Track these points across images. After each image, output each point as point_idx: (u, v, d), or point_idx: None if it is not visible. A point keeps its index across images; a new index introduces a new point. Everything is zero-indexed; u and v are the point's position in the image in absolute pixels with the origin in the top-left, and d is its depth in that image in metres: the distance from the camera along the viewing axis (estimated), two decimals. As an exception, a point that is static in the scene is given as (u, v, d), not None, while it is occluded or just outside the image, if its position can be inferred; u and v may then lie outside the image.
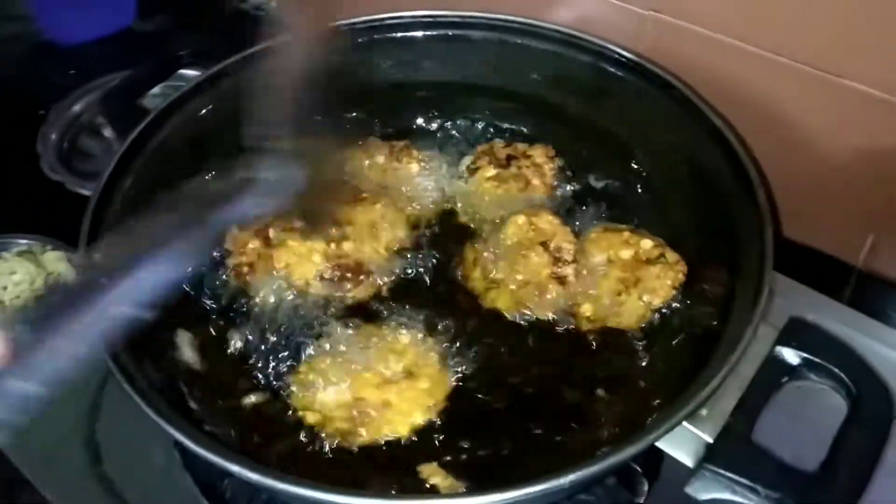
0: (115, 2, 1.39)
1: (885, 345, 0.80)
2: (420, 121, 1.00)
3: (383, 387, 0.74)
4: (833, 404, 0.66)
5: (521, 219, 0.84)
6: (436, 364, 0.77)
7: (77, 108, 1.23)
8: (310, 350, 0.79)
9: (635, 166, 0.90)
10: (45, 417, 0.78)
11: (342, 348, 0.78)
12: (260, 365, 0.78)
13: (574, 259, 0.83)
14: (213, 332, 0.81)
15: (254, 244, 0.83)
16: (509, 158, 0.92)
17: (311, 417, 0.74)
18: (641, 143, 0.89)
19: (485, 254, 0.84)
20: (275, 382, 0.77)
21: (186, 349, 0.78)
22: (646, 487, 0.73)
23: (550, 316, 0.80)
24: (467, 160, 0.94)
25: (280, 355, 0.79)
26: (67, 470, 0.79)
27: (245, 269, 0.83)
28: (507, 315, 0.81)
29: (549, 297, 0.81)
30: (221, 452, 0.61)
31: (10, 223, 1.04)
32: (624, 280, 0.80)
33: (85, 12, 1.36)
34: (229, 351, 0.80)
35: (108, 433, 0.81)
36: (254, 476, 0.59)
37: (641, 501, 0.73)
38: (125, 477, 0.79)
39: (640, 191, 0.90)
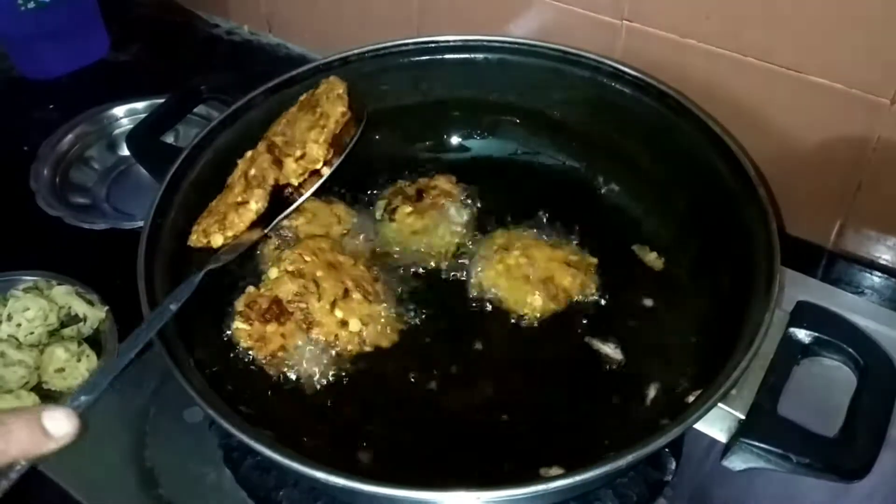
0: (88, 35, 1.40)
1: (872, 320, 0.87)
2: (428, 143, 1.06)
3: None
4: (843, 376, 0.73)
5: None
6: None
7: (66, 142, 1.25)
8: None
9: (638, 172, 0.96)
10: (95, 449, 0.84)
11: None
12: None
13: None
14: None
15: (271, 328, 0.84)
16: (419, 193, 0.97)
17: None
18: (642, 150, 0.95)
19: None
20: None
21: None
22: (674, 466, 0.79)
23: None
24: (381, 204, 0.97)
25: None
26: (126, 498, 0.83)
27: (280, 353, 0.83)
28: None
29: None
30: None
31: (12, 260, 1.06)
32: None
33: (58, 47, 1.37)
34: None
35: (158, 458, 0.84)
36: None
37: (669, 479, 0.79)
38: (182, 498, 0.82)
39: (644, 194, 0.96)
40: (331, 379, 0.83)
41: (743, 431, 0.68)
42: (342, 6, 1.27)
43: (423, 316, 0.88)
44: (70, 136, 1.26)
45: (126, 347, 0.72)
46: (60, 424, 0.58)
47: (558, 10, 1.04)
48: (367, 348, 0.85)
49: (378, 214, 0.96)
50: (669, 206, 0.92)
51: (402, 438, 0.79)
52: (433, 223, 0.94)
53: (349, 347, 0.84)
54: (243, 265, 0.89)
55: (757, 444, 0.67)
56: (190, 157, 0.86)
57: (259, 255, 0.91)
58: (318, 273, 0.84)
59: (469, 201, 0.97)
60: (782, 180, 0.99)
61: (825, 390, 0.75)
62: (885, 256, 1.01)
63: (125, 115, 1.29)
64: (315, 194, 0.90)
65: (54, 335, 1.00)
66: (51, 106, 1.34)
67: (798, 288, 0.89)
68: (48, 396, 0.95)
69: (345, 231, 0.92)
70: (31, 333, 0.99)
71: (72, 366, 0.96)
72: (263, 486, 0.81)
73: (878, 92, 0.88)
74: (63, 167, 1.23)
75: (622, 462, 0.63)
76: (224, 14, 1.47)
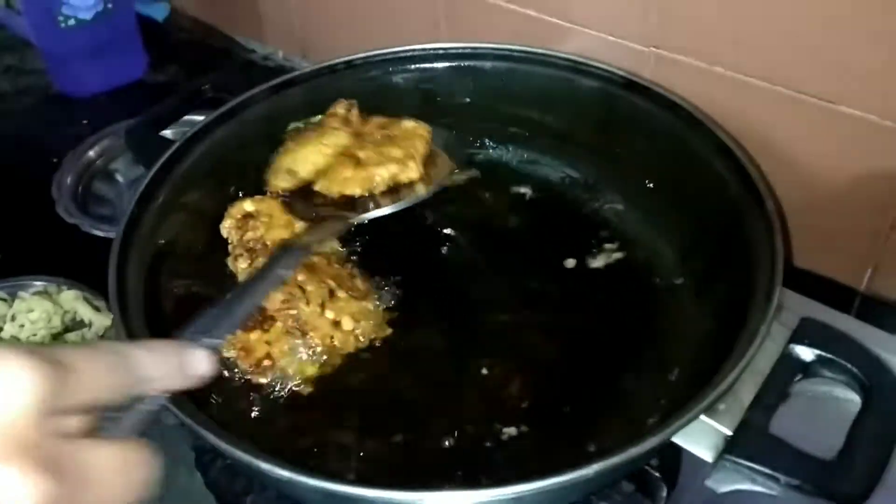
0: (126, 55, 1.42)
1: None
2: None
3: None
4: (847, 398, 0.68)
5: None
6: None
7: (91, 154, 1.26)
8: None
9: (646, 183, 0.93)
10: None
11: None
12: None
13: None
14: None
15: (255, 336, 0.81)
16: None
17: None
18: (651, 161, 0.92)
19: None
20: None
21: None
22: (664, 493, 0.74)
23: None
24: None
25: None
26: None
27: (266, 362, 0.81)
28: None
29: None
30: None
31: (27, 266, 1.06)
32: None
33: (96, 66, 1.39)
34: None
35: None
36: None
37: (660, 507, 0.74)
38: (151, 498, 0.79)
39: (652, 206, 0.93)
40: (322, 382, 0.81)
41: (728, 449, 0.63)
42: (374, 33, 1.27)
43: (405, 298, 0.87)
44: (96, 149, 1.27)
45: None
46: (200, 365, 0.56)
47: (589, 38, 1.01)
48: (363, 345, 0.83)
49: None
50: (676, 220, 0.89)
51: (393, 438, 0.76)
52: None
53: (345, 347, 0.82)
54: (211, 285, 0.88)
55: (742, 461, 0.61)
56: (182, 149, 0.85)
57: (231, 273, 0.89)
58: (300, 277, 0.82)
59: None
60: (812, 216, 0.95)
61: (827, 412, 0.69)
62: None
63: (152, 130, 1.30)
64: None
65: (58, 339, 0.99)
66: (84, 121, 1.35)
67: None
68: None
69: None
70: (34, 335, 0.98)
71: (73, 370, 0.94)
72: (231, 491, 0.78)
73: (911, 123, 0.83)
74: (86, 178, 1.24)
75: (589, 471, 0.58)
76: (261, 39, 1.48)
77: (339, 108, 0.93)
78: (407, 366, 0.82)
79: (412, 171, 0.88)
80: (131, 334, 0.70)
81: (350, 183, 0.87)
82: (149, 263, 0.79)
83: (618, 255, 0.90)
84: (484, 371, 0.81)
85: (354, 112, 0.93)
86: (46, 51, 1.39)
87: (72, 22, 1.32)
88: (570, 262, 0.90)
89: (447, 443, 0.75)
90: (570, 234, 0.93)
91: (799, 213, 0.93)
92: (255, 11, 1.45)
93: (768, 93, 0.90)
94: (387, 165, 0.87)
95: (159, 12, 1.56)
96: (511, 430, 0.75)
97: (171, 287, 0.82)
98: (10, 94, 1.43)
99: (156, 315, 0.77)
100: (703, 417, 0.63)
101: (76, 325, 1.00)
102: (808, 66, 0.87)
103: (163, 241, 0.81)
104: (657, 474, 0.74)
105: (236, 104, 0.90)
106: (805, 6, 0.83)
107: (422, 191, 0.88)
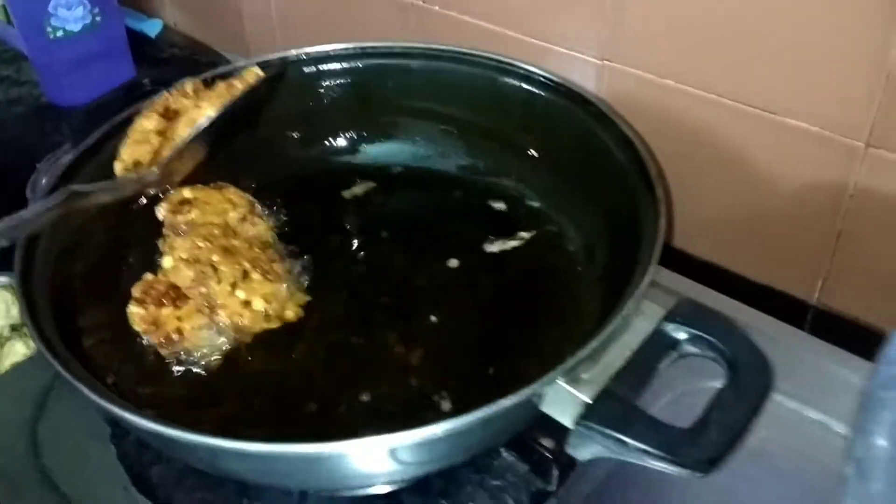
0: (114, 66, 1.46)
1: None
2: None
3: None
4: (715, 376, 0.68)
5: None
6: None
7: (68, 157, 1.30)
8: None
9: (561, 176, 0.96)
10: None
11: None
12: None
13: None
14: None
15: (166, 311, 0.83)
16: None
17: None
18: (565, 155, 0.95)
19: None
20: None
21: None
22: (556, 472, 0.75)
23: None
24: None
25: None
26: (8, 463, 0.83)
27: (174, 336, 0.83)
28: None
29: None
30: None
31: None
32: None
33: (84, 76, 1.43)
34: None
35: (50, 431, 0.85)
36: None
37: (554, 489, 0.75)
38: (63, 469, 0.82)
39: (564, 197, 0.95)
40: (233, 358, 0.83)
41: (584, 415, 0.64)
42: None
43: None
44: (73, 153, 1.30)
45: None
46: None
47: (545, 51, 1.04)
48: (274, 325, 0.85)
49: None
50: (585, 212, 0.92)
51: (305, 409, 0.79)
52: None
53: (254, 326, 0.84)
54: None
55: (595, 426, 0.62)
56: (109, 134, 0.91)
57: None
58: (214, 258, 0.84)
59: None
60: (763, 227, 0.95)
61: (693, 388, 0.70)
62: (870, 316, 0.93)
63: (128, 136, 1.34)
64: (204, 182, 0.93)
65: (17, 330, 1.03)
66: (69, 129, 1.40)
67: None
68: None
69: (241, 216, 0.92)
70: (-7, 326, 1.02)
71: (29, 362, 0.98)
72: (139, 463, 0.80)
73: (852, 134, 0.83)
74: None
75: (437, 429, 0.60)
76: (246, 55, 1.52)
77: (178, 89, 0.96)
78: (318, 344, 0.85)
79: (208, 110, 0.91)
80: (31, 304, 0.73)
81: (161, 150, 0.91)
82: (67, 239, 0.83)
83: (522, 243, 0.94)
84: (391, 352, 0.84)
85: (188, 87, 0.96)
86: (36, 61, 1.44)
87: (60, 33, 1.38)
88: (470, 254, 0.93)
89: (355, 408, 0.78)
90: (485, 224, 0.96)
91: (750, 225, 0.95)
92: (240, 28, 1.50)
93: (714, 104, 0.91)
94: (185, 116, 0.91)
95: (152, 28, 1.62)
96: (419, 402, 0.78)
97: (89, 262, 0.86)
98: (1, 104, 1.49)
99: (64, 288, 0.81)
100: (564, 385, 0.64)
101: (36, 317, 1.03)
102: (751, 77, 0.88)
103: (82, 219, 0.84)
104: (549, 455, 0.75)
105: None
106: (747, 20, 0.85)
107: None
